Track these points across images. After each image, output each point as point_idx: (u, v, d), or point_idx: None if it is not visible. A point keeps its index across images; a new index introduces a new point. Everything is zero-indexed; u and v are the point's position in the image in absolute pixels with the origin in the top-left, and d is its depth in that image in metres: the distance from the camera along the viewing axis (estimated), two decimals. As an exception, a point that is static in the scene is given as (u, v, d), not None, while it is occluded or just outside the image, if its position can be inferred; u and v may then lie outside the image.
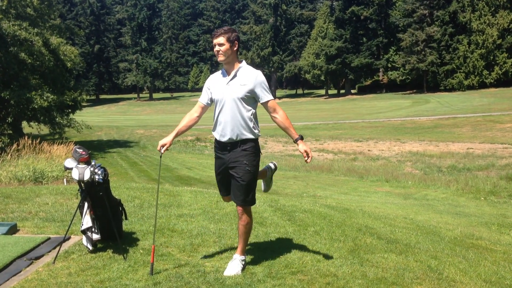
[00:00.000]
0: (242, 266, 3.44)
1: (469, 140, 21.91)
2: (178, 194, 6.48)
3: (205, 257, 3.75)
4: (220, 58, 3.32)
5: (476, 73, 50.07)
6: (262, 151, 3.51)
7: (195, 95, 78.26)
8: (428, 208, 9.10)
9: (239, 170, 3.33)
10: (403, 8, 57.40)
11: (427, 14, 53.87)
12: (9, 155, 11.71)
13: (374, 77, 65.90)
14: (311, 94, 72.39)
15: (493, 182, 12.44)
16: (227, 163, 3.40)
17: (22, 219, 4.92)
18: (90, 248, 3.83)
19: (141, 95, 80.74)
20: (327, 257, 3.76)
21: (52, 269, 3.47)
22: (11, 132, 19.15)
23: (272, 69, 67.62)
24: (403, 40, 54.43)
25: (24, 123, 22.34)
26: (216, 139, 3.46)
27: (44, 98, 18.16)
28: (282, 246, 4.04)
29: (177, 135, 3.47)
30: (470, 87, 50.38)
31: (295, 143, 3.41)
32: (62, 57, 21.46)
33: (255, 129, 3.38)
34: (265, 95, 3.34)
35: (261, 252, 3.83)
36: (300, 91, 77.36)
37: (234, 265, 3.41)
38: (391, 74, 60.34)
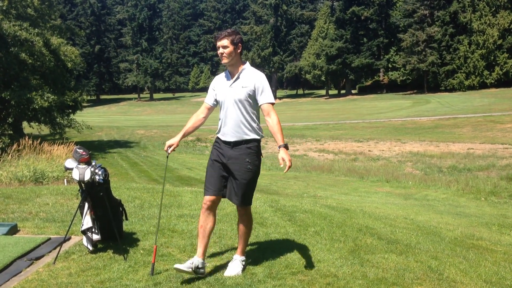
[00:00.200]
0: (242, 266, 3.44)
1: (470, 140, 21.89)
2: (179, 195, 6.49)
3: (206, 257, 3.74)
4: (224, 60, 3.32)
5: (476, 74, 50.05)
6: (262, 151, 3.51)
7: (196, 96, 78.30)
8: (428, 208, 9.09)
9: (240, 167, 3.29)
10: (404, 8, 57.41)
11: (427, 14, 53.87)
12: (10, 156, 11.70)
13: (375, 77, 65.87)
14: (311, 94, 72.38)
15: (493, 183, 12.42)
16: (227, 158, 3.34)
17: (22, 220, 4.92)
18: (91, 248, 3.84)
19: (141, 95, 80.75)
20: (328, 257, 3.76)
21: (53, 270, 3.47)
22: (11, 132, 19.17)
23: (273, 70, 67.64)
24: (403, 41, 54.42)
25: (25, 124, 22.36)
26: (218, 138, 3.44)
27: (45, 98, 18.17)
28: (282, 246, 4.04)
29: (184, 136, 3.48)
30: (471, 88, 50.35)
31: (278, 149, 3.25)
32: (62, 57, 21.49)
33: (258, 130, 3.38)
34: (261, 97, 3.31)
35: (261, 253, 3.83)
36: (300, 92, 77.34)
37: (234, 266, 3.42)
38: (392, 75, 60.34)
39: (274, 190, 11.49)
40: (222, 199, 3.44)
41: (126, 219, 4.25)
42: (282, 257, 3.73)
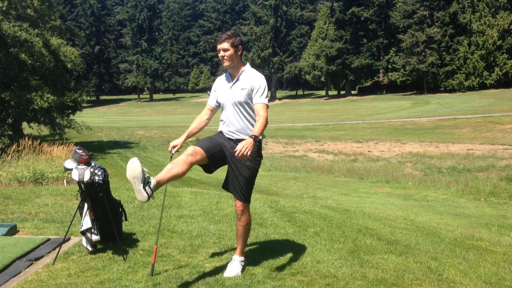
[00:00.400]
0: (241, 267, 3.44)
1: (469, 141, 21.90)
2: (178, 195, 6.48)
3: (205, 258, 3.75)
4: (225, 63, 3.32)
5: (476, 74, 50.08)
6: (262, 152, 3.50)
7: (196, 96, 78.34)
8: (428, 209, 9.10)
9: (240, 163, 3.28)
10: (403, 9, 57.46)
11: (427, 15, 53.90)
12: (9, 156, 11.71)
13: (375, 78, 65.91)
14: (311, 95, 72.41)
15: (493, 183, 12.43)
16: (228, 148, 3.32)
17: (22, 220, 4.92)
18: (90, 249, 3.83)
19: (141, 96, 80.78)
20: (327, 258, 3.76)
21: (52, 270, 3.47)
22: (11, 133, 19.14)
23: (273, 70, 67.67)
24: (403, 41, 54.44)
25: (24, 124, 22.34)
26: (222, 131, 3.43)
27: (44, 99, 18.16)
28: (282, 247, 4.04)
29: (188, 137, 3.53)
30: (470, 88, 50.39)
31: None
32: (62, 58, 21.50)
33: None
34: (255, 97, 3.28)
35: (261, 253, 3.83)
36: (300, 92, 77.38)
37: (233, 266, 3.42)
38: (392, 75, 60.35)
39: (274, 190, 11.49)
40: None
41: (126, 219, 4.24)
42: (281, 257, 3.74)
